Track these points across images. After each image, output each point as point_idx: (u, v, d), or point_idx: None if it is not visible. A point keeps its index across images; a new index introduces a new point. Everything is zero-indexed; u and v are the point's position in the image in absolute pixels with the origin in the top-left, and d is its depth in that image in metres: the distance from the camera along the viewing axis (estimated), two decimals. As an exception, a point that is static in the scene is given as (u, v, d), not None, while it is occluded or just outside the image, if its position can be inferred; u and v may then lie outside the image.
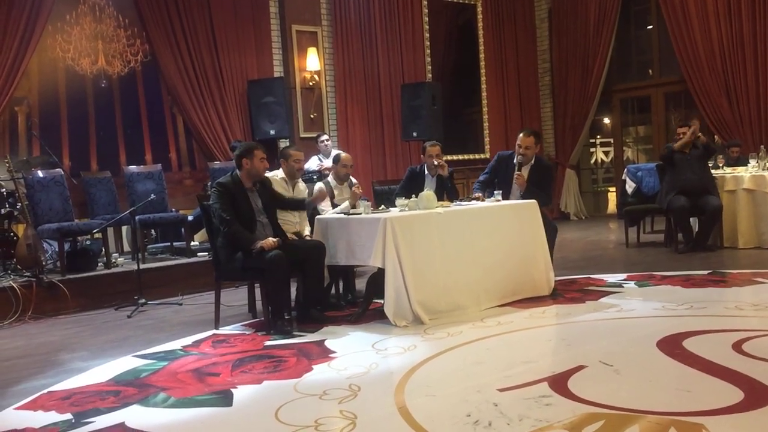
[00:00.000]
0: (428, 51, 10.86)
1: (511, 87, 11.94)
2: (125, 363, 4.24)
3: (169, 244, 7.83)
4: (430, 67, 10.85)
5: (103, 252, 6.86)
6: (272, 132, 8.78)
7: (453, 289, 4.92)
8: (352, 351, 4.15)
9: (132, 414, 3.27)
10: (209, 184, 7.66)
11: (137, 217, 6.85)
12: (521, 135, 5.81)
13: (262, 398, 3.41)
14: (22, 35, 7.41)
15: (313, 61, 9.53)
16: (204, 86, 8.69)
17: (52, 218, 6.59)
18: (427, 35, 10.86)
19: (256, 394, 3.48)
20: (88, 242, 7.07)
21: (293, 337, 4.59)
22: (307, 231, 5.51)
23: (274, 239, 4.79)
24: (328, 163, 8.31)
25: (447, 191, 5.93)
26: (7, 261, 6.42)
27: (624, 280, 5.87)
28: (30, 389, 3.82)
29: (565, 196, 12.05)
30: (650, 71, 11.68)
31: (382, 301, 4.78)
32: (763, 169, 7.33)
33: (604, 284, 5.73)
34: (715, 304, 4.76)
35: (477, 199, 5.63)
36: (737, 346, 3.66)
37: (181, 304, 6.16)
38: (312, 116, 9.59)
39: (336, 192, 5.76)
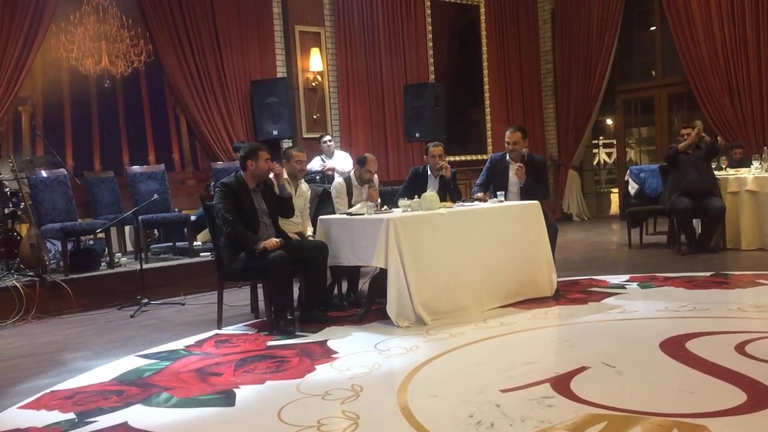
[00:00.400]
0: (431, 52, 10.86)
1: (514, 88, 11.94)
2: (128, 363, 4.24)
3: (171, 244, 7.84)
4: (432, 68, 10.85)
5: (106, 252, 6.87)
6: (275, 132, 8.78)
7: (455, 290, 4.92)
8: (354, 351, 4.15)
9: (135, 414, 3.28)
10: (212, 184, 7.67)
11: (140, 217, 6.86)
12: (508, 132, 5.98)
13: (264, 398, 3.41)
14: (26, 35, 7.43)
15: (316, 62, 9.54)
16: (207, 86, 8.70)
17: (55, 218, 6.60)
18: (430, 36, 10.86)
19: (258, 394, 3.49)
20: (91, 242, 7.08)
21: (296, 337, 4.59)
22: (309, 231, 5.51)
23: (277, 239, 4.80)
24: (330, 163, 8.33)
25: (450, 192, 5.93)
26: (10, 260, 6.42)
27: (627, 281, 5.86)
28: (33, 389, 3.82)
29: (568, 197, 12.04)
30: (653, 72, 11.67)
31: (384, 302, 4.78)
32: (766, 171, 7.32)
33: (606, 285, 5.73)
34: (718, 306, 4.75)
35: (479, 199, 5.64)
36: (740, 348, 3.66)
37: (183, 304, 6.16)
38: (315, 117, 9.60)
39: (355, 192, 5.74)
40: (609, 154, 13.48)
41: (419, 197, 5.17)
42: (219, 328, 5.01)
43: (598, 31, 11.33)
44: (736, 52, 9.86)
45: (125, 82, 8.64)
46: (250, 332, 4.87)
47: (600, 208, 12.87)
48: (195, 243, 7.52)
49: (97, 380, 3.90)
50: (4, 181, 6.72)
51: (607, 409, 2.90)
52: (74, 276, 6.30)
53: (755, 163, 7.54)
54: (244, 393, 3.49)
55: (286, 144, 8.90)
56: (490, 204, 5.47)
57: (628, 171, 8.53)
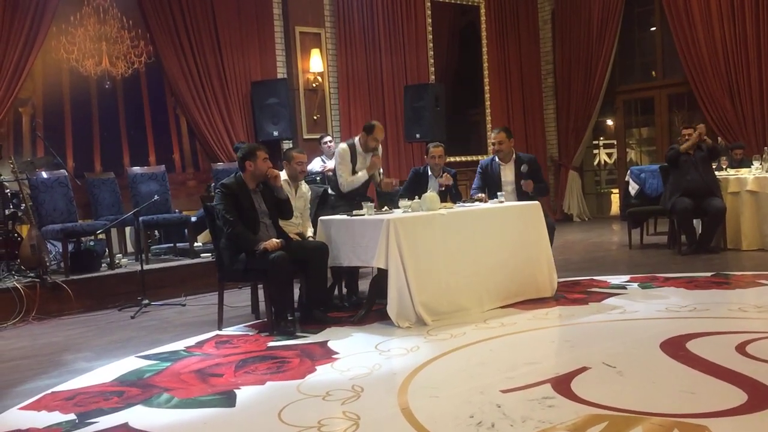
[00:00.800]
0: (431, 52, 10.87)
1: (514, 88, 11.94)
2: (129, 363, 4.25)
3: (172, 245, 7.85)
4: (433, 69, 10.86)
5: (106, 253, 6.87)
6: (275, 133, 8.79)
7: (456, 291, 4.92)
8: (355, 352, 4.15)
9: (135, 414, 3.28)
10: (212, 185, 7.67)
11: (141, 218, 6.86)
12: (493, 133, 6.12)
13: (265, 399, 3.41)
14: (27, 36, 7.43)
15: (316, 63, 9.54)
16: (207, 87, 8.70)
17: (56, 219, 6.61)
18: (430, 36, 10.86)
19: (259, 394, 3.49)
20: (91, 243, 7.09)
21: (296, 338, 4.59)
22: (310, 232, 5.51)
23: (277, 240, 4.80)
24: (331, 164, 8.33)
25: (450, 193, 5.94)
26: (11, 262, 6.43)
27: (627, 281, 5.86)
28: (34, 389, 3.83)
29: (568, 198, 12.04)
30: (653, 73, 11.67)
31: (385, 302, 4.78)
32: (766, 171, 7.32)
33: (607, 286, 5.73)
34: (719, 306, 4.75)
35: (479, 200, 5.65)
36: (741, 348, 3.66)
37: (184, 305, 6.17)
38: (315, 118, 9.60)
39: (359, 159, 5.71)
40: (609, 155, 13.49)
41: (420, 198, 5.17)
42: (219, 328, 5.01)
43: (598, 31, 11.33)
44: (736, 53, 9.86)
45: (126, 83, 8.64)
46: (250, 333, 4.87)
47: (600, 208, 12.88)
48: (195, 244, 7.53)
49: (98, 381, 3.90)
50: (5, 182, 6.73)
51: (607, 410, 2.90)
52: (75, 277, 6.30)
53: (756, 164, 7.55)
54: (244, 394, 3.49)
55: (287, 145, 8.91)
56: (491, 204, 5.47)
57: (629, 171, 8.53)
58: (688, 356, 3.60)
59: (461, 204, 5.52)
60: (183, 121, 9.07)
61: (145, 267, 6.38)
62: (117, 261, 6.87)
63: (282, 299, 4.80)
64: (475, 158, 11.24)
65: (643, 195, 8.13)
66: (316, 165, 8.32)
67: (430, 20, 10.85)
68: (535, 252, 5.34)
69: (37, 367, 4.36)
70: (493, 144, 6.08)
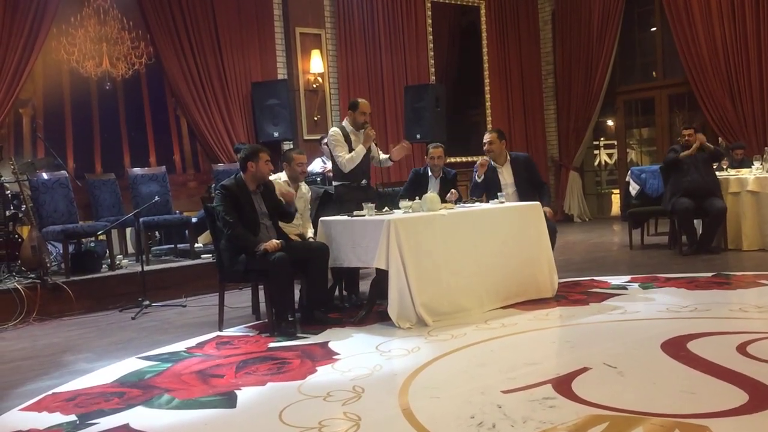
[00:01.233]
0: (431, 53, 10.87)
1: (515, 89, 11.94)
2: (129, 364, 4.25)
3: (173, 246, 7.85)
4: (433, 69, 10.86)
5: (107, 254, 6.87)
6: (276, 134, 8.79)
7: (456, 291, 4.92)
8: (355, 353, 4.15)
9: (136, 415, 3.28)
10: (213, 186, 7.67)
11: (141, 219, 6.86)
12: (485, 134, 6.11)
13: (266, 400, 3.41)
14: (27, 37, 7.43)
15: (316, 64, 9.54)
16: (208, 88, 8.70)
17: (56, 220, 6.61)
18: (431, 37, 10.87)
19: (260, 395, 3.49)
20: (92, 244, 7.09)
21: (297, 338, 4.59)
22: (310, 233, 5.52)
23: (278, 241, 4.80)
24: (331, 165, 8.32)
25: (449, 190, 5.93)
26: (11, 263, 6.43)
27: (628, 282, 5.86)
28: (35, 390, 3.83)
29: (569, 198, 12.04)
30: (654, 73, 11.67)
31: (385, 303, 4.78)
32: (767, 171, 7.32)
33: (608, 286, 5.73)
34: (720, 307, 4.75)
35: (480, 200, 5.65)
36: (741, 349, 3.66)
37: (185, 306, 6.17)
38: (315, 118, 9.60)
39: (353, 138, 5.70)
40: (610, 155, 13.50)
41: (420, 198, 5.17)
42: (220, 329, 5.01)
43: (598, 31, 11.33)
44: (736, 53, 9.85)
45: (126, 84, 8.65)
46: (251, 334, 4.87)
47: (601, 209, 12.88)
48: (196, 245, 7.53)
49: (99, 382, 3.90)
50: (6, 184, 6.74)
51: (608, 410, 2.90)
52: (75, 278, 6.31)
53: (756, 164, 7.55)
54: (245, 394, 3.49)
55: (287, 146, 8.91)
56: (491, 205, 5.47)
57: (629, 172, 8.53)
58: (688, 356, 3.60)
59: (462, 204, 5.52)
60: (183, 122, 9.08)
61: (146, 268, 6.38)
62: (117, 262, 6.87)
63: (282, 300, 4.80)
64: (475, 159, 11.23)
65: (644, 195, 8.13)
66: (316, 166, 8.32)
67: (430, 21, 10.85)
68: (536, 252, 5.34)
69: (37, 368, 4.36)
70: (484, 144, 6.04)
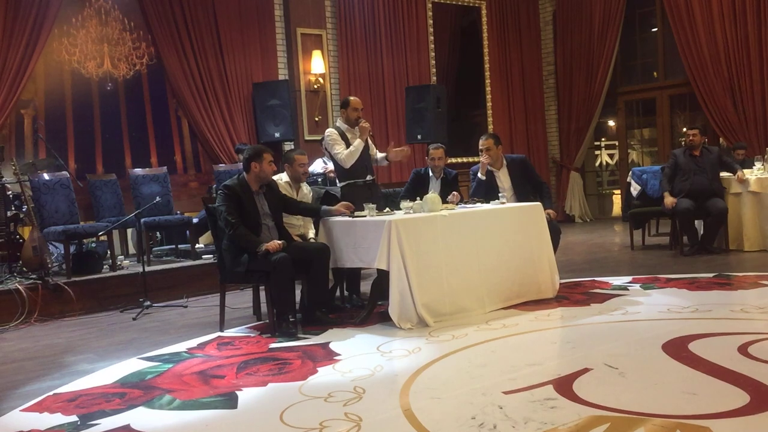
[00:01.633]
0: (432, 53, 10.87)
1: (516, 89, 11.94)
2: (131, 365, 4.25)
3: (174, 246, 7.85)
4: (434, 70, 10.87)
5: (108, 254, 6.88)
6: (277, 135, 8.80)
7: (458, 292, 4.92)
8: (356, 353, 4.15)
9: (137, 416, 3.28)
10: (214, 186, 7.68)
11: (142, 220, 6.87)
12: (480, 139, 6.03)
13: (267, 400, 3.41)
14: (29, 38, 7.45)
15: (317, 64, 9.55)
16: (209, 89, 8.71)
17: (57, 221, 6.62)
18: (432, 38, 10.87)
19: (261, 396, 3.49)
20: (93, 245, 7.10)
21: (298, 339, 4.59)
22: (311, 233, 5.52)
23: (279, 241, 4.80)
24: (332, 165, 8.32)
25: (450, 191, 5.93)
26: (13, 263, 6.44)
27: (629, 282, 5.86)
28: (36, 391, 3.83)
29: (570, 199, 12.04)
30: (655, 74, 11.66)
31: (386, 304, 4.78)
32: (768, 172, 7.31)
33: (609, 287, 5.72)
34: (721, 307, 4.75)
35: (481, 201, 5.65)
36: (743, 349, 3.65)
37: (186, 307, 6.17)
38: (316, 119, 9.60)
39: (349, 135, 5.70)
40: (611, 156, 13.48)
41: (421, 199, 5.17)
42: (221, 330, 5.01)
43: (599, 32, 11.33)
44: (737, 53, 9.85)
45: (127, 85, 8.66)
46: (252, 334, 4.87)
47: (602, 209, 12.87)
48: (197, 245, 7.53)
49: (100, 383, 3.90)
50: (7, 184, 6.74)
51: (609, 411, 2.89)
52: (76, 279, 6.31)
53: (758, 164, 7.53)
54: (246, 395, 3.49)
55: (288, 146, 8.91)
56: (492, 206, 5.47)
57: (631, 172, 8.52)
58: (690, 357, 3.60)
59: (463, 205, 5.52)
60: (184, 122, 9.08)
61: (147, 269, 6.39)
62: (119, 263, 6.87)
63: (284, 301, 4.80)
64: (476, 159, 11.23)
65: (645, 196, 8.12)
66: (317, 166, 8.32)
67: (431, 21, 10.85)
68: (537, 253, 5.34)
69: (38, 368, 4.36)
70: (481, 150, 5.99)
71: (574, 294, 5.48)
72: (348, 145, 5.64)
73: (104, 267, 6.76)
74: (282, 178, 5.44)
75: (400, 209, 5.23)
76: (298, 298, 5.23)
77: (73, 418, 3.31)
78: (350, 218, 5.05)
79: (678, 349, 3.76)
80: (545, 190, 6.06)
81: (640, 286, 5.66)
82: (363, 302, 5.44)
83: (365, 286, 5.74)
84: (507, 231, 5.24)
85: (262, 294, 5.20)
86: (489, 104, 11.63)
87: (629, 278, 6.04)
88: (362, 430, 2.91)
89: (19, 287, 5.87)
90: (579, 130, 11.81)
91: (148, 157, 8.95)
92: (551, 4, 12.20)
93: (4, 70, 7.31)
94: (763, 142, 9.46)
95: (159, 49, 8.44)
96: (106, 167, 8.55)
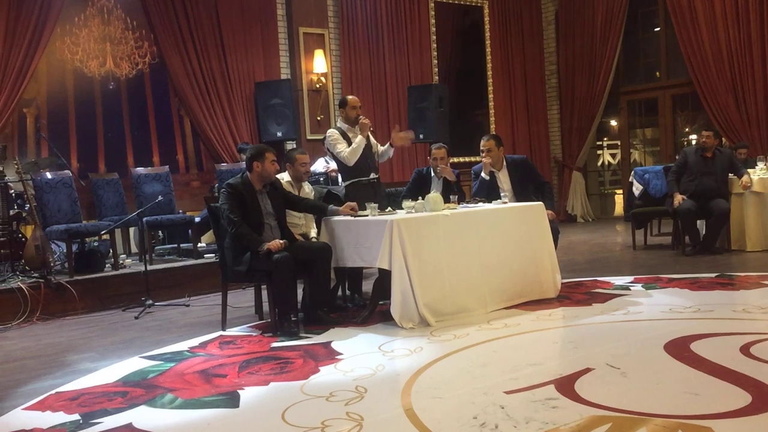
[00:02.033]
0: (435, 53, 10.87)
1: (518, 89, 11.94)
2: (133, 364, 4.25)
3: (176, 245, 7.85)
4: (436, 69, 10.87)
5: (110, 253, 6.89)
6: (279, 134, 8.80)
7: (459, 291, 4.92)
8: (358, 353, 4.16)
9: (139, 415, 3.29)
10: (216, 185, 7.69)
11: (145, 219, 6.88)
12: (482, 140, 6.01)
13: (268, 400, 3.41)
14: (31, 37, 7.46)
15: (320, 64, 9.55)
16: (211, 88, 8.72)
17: (60, 219, 6.62)
18: (434, 37, 10.87)
19: (262, 395, 3.49)
20: (95, 243, 7.10)
21: (300, 338, 4.60)
22: (313, 233, 5.52)
23: (281, 241, 4.80)
24: (334, 165, 8.33)
25: (452, 190, 5.91)
26: (15, 262, 6.45)
27: (631, 282, 5.85)
28: (38, 390, 3.83)
29: (572, 199, 12.03)
30: (657, 73, 11.66)
31: (388, 303, 4.78)
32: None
33: (611, 287, 5.72)
34: (723, 307, 4.74)
35: (482, 201, 5.64)
36: (745, 350, 3.65)
37: (188, 306, 6.18)
38: (318, 118, 9.61)
39: (350, 134, 5.70)
40: (613, 155, 13.48)
41: (423, 198, 5.17)
42: (223, 329, 5.02)
43: (602, 32, 11.32)
44: (740, 53, 9.84)
45: (130, 84, 8.66)
46: (254, 334, 4.87)
47: (604, 209, 12.86)
48: (199, 244, 7.54)
49: (102, 381, 3.91)
50: (9, 183, 6.75)
51: (611, 411, 2.89)
52: (79, 277, 6.32)
53: (760, 165, 7.52)
54: (248, 394, 3.50)
55: (290, 145, 8.92)
56: (494, 205, 5.47)
57: (633, 172, 8.53)
58: (692, 357, 3.59)
59: (464, 205, 5.52)
60: (187, 121, 9.09)
61: (149, 267, 6.39)
62: (121, 261, 6.88)
63: (285, 300, 4.80)
64: (478, 159, 11.22)
65: (647, 196, 8.12)
66: (319, 166, 8.32)
67: (433, 21, 10.85)
68: (539, 253, 5.34)
69: (41, 367, 4.37)
70: (482, 151, 5.96)
71: (575, 294, 5.48)
72: (349, 143, 5.64)
73: (106, 266, 6.77)
74: (283, 177, 5.43)
75: (402, 209, 5.22)
76: (300, 297, 5.24)
77: (75, 416, 3.31)
78: (352, 218, 5.05)
79: (680, 349, 3.76)
80: (547, 190, 6.04)
81: (642, 286, 5.66)
82: (365, 302, 5.44)
83: (367, 286, 5.74)
84: (509, 231, 5.23)
85: (264, 293, 5.21)
86: (491, 104, 11.63)
87: (631, 278, 6.03)
88: (364, 429, 2.91)
89: (22, 286, 5.88)
90: (581, 129, 11.80)
91: (151, 156, 8.96)
92: (553, 3, 12.19)
93: (7, 69, 7.32)
94: (765, 142, 9.46)
95: (161, 48, 8.45)
96: (108, 166, 8.56)
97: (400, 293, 4.66)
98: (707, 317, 4.49)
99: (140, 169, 7.57)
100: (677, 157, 7.57)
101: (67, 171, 7.03)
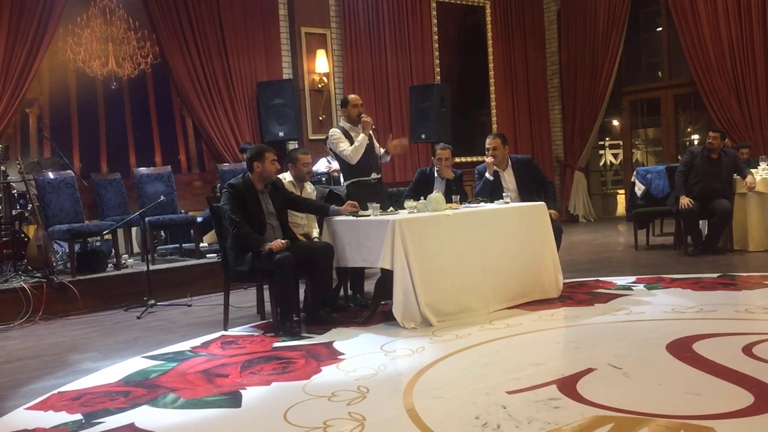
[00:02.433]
0: (437, 53, 10.87)
1: (520, 89, 11.93)
2: (135, 364, 4.26)
3: (178, 245, 7.86)
4: (438, 69, 10.87)
5: (113, 253, 6.90)
6: (281, 134, 8.81)
7: (461, 291, 4.92)
8: (360, 353, 4.16)
9: (141, 414, 3.29)
10: (218, 185, 7.69)
11: (147, 219, 6.88)
12: (488, 139, 6.01)
13: (270, 400, 3.42)
14: (34, 38, 7.47)
15: (322, 64, 9.55)
16: (213, 88, 8.73)
17: (62, 219, 6.63)
18: (436, 37, 10.87)
19: (264, 395, 3.49)
20: (98, 243, 7.11)
21: (302, 338, 4.60)
22: (315, 233, 5.52)
23: (283, 241, 4.80)
24: (336, 165, 8.32)
25: (452, 190, 5.91)
26: (18, 262, 6.45)
27: (633, 282, 5.85)
28: (40, 389, 3.84)
29: (574, 199, 12.02)
30: (660, 73, 11.64)
31: (390, 303, 4.78)
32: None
33: (613, 287, 5.72)
34: (725, 307, 4.74)
35: (485, 201, 5.64)
36: (747, 350, 3.65)
37: (190, 306, 6.18)
38: (321, 118, 9.61)
39: (352, 134, 5.70)
40: (615, 155, 13.45)
41: (425, 198, 5.17)
42: (225, 329, 5.02)
43: (604, 31, 11.31)
44: (742, 53, 9.83)
45: (132, 84, 8.67)
46: (256, 333, 4.87)
47: (606, 209, 12.85)
48: (201, 244, 7.54)
49: (104, 381, 3.91)
50: (12, 183, 6.76)
51: (613, 411, 2.89)
52: (81, 277, 6.33)
53: (762, 164, 7.51)
54: (250, 394, 3.50)
55: (292, 145, 8.92)
56: (496, 205, 5.46)
57: (635, 172, 8.51)
58: (694, 357, 3.59)
59: (466, 205, 5.51)
60: (189, 121, 9.09)
61: (151, 267, 6.39)
62: (123, 261, 6.88)
63: (287, 300, 4.81)
64: (480, 159, 11.21)
65: (649, 196, 8.11)
66: (321, 166, 8.31)
67: (435, 21, 10.85)
68: (541, 253, 5.33)
69: (43, 367, 4.37)
70: (488, 150, 5.96)
71: (577, 294, 5.48)
72: (351, 142, 5.65)
73: (109, 266, 6.78)
74: (285, 177, 5.43)
75: (404, 209, 5.22)
76: (302, 297, 5.24)
77: (78, 416, 3.32)
78: (354, 218, 5.05)
79: (682, 349, 3.75)
80: (550, 190, 6.05)
81: (644, 286, 5.65)
82: (367, 302, 5.44)
83: (369, 286, 5.74)
84: (511, 231, 5.23)
85: (266, 293, 5.21)
86: (493, 104, 11.63)
87: (633, 278, 6.03)
88: (366, 429, 2.91)
89: (24, 286, 5.89)
90: (583, 129, 11.79)
91: (153, 156, 8.96)
92: (556, 3, 12.19)
93: (9, 69, 7.33)
94: (767, 141, 9.43)
95: (164, 49, 8.46)
96: (110, 166, 8.57)
97: (402, 293, 4.66)
98: (709, 317, 4.49)
99: (142, 169, 7.58)
100: (682, 157, 7.52)
101: (69, 171, 7.04)
